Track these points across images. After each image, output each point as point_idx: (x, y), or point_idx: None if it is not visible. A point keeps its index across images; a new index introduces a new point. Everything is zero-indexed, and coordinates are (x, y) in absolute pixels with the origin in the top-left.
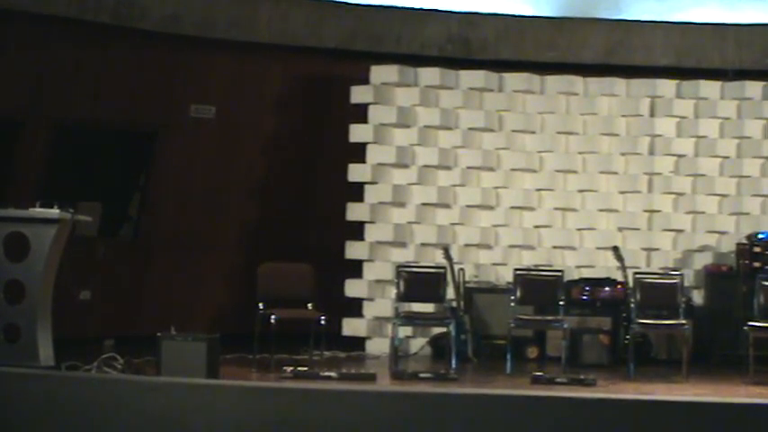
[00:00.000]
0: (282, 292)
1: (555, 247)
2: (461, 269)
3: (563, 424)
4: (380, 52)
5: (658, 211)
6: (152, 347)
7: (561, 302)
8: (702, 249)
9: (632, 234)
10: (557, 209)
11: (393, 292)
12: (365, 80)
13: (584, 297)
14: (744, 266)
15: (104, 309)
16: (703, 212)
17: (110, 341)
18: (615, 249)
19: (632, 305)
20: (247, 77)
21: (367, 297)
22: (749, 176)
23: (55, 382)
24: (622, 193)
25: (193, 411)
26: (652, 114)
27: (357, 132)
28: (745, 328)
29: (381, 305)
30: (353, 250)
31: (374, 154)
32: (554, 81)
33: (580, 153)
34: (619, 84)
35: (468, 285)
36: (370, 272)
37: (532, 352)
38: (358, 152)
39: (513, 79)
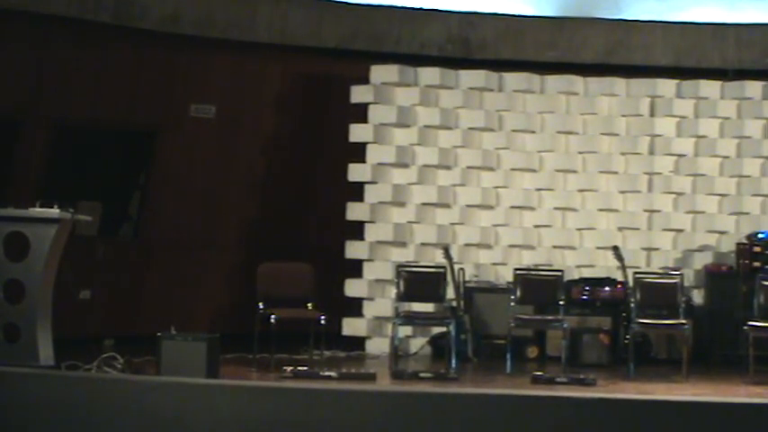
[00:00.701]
0: (282, 292)
1: (555, 247)
2: (461, 269)
3: (563, 424)
4: (380, 52)
5: (658, 211)
6: (152, 347)
7: (561, 302)
8: (702, 249)
9: (632, 234)
10: (557, 209)
11: (393, 291)
12: (365, 80)
13: (584, 297)
14: (744, 266)
15: (104, 309)
16: (703, 212)
17: (110, 341)
18: (615, 249)
19: (632, 305)
20: (247, 77)
21: (367, 297)
22: (749, 176)
23: (55, 382)
24: (622, 192)
25: (193, 411)
26: (652, 114)
27: (357, 132)
28: (745, 328)
29: (381, 305)
30: (353, 250)
31: (374, 154)
32: (554, 81)
33: (580, 153)
34: (619, 84)
35: (468, 285)
36: (370, 272)
37: (532, 352)
38: (358, 152)
39: (513, 79)
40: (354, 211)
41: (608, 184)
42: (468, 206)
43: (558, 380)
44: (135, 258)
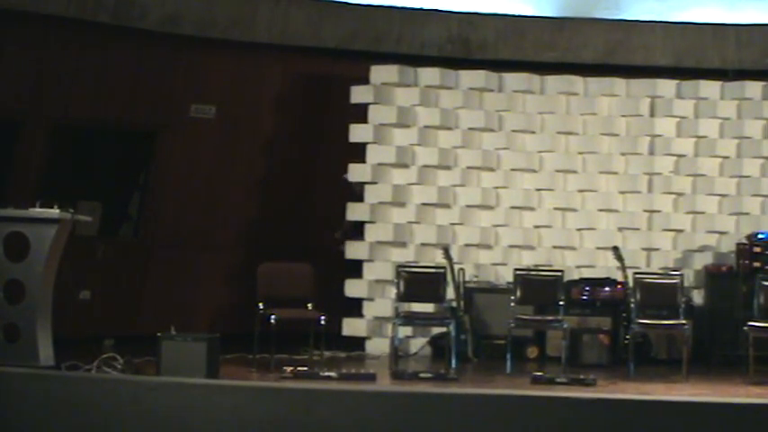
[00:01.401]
0: (282, 292)
1: (555, 247)
2: (461, 269)
3: (563, 424)
4: (380, 52)
5: (658, 211)
6: (152, 347)
7: (561, 302)
8: (702, 249)
9: (632, 234)
10: (557, 209)
11: (393, 292)
12: (365, 80)
13: (584, 297)
14: (744, 266)
15: (104, 309)
16: (703, 212)
17: (110, 341)
18: (615, 249)
19: (632, 305)
20: (247, 77)
21: (367, 297)
22: (749, 176)
23: (55, 382)
24: (622, 193)
25: (193, 411)
26: (652, 114)
27: (357, 132)
28: (745, 328)
29: (381, 305)
30: (353, 250)
31: (374, 154)
32: (554, 81)
33: (580, 153)
34: (619, 84)
35: (467, 285)
36: (370, 272)
37: (532, 352)
38: (358, 152)
39: (513, 79)
40: (354, 212)
41: (608, 184)
42: (468, 206)
43: (558, 380)
44: (135, 258)
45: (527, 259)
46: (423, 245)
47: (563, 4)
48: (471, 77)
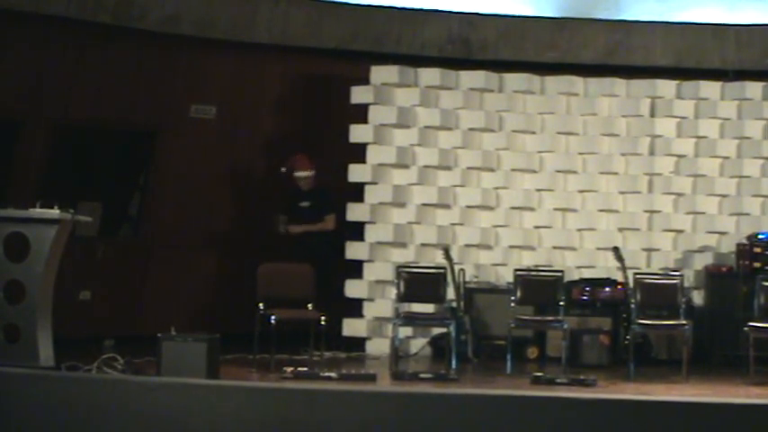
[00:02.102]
0: (282, 293)
1: (555, 248)
2: (461, 269)
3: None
4: (380, 52)
5: (658, 212)
6: (152, 347)
7: (561, 303)
8: (702, 250)
9: (632, 234)
10: (557, 209)
11: (393, 292)
12: (365, 80)
13: (585, 297)
14: (744, 267)
15: (104, 309)
16: (703, 213)
17: (110, 341)
18: (615, 250)
19: (632, 305)
20: (247, 77)
21: (367, 297)
22: (749, 177)
23: (55, 382)
24: (622, 193)
25: (193, 411)
26: (652, 115)
27: (357, 132)
28: (745, 328)
29: (381, 305)
30: (353, 250)
31: (374, 154)
32: (554, 81)
33: (580, 153)
34: (619, 84)
35: (468, 286)
36: (370, 272)
37: (532, 352)
38: (358, 152)
39: (514, 79)
40: (354, 212)
41: (608, 184)
42: (468, 207)
43: (558, 381)
44: (135, 258)
45: (527, 260)
46: (423, 245)
47: (563, 5)
48: (471, 78)
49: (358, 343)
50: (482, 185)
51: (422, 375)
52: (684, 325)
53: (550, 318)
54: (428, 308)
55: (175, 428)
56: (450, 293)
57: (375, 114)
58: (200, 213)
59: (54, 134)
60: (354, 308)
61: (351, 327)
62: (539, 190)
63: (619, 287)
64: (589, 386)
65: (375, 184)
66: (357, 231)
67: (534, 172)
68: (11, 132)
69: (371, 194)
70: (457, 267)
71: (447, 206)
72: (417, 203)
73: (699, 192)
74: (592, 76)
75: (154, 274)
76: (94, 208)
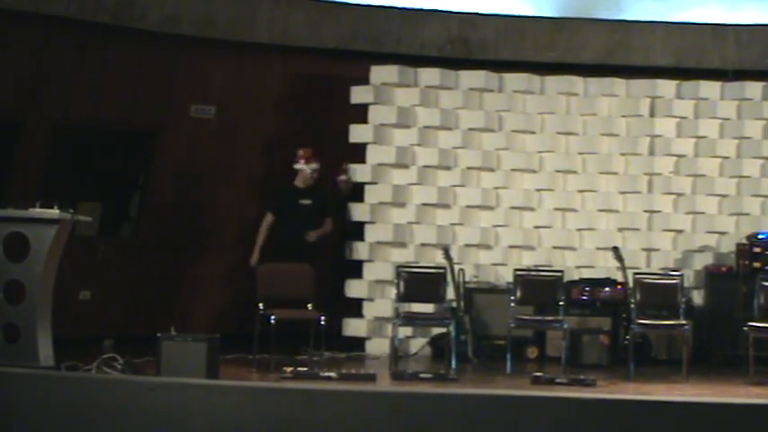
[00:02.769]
0: (282, 293)
1: (555, 248)
2: (461, 269)
3: (563, 424)
4: (380, 52)
5: (658, 212)
6: (152, 347)
7: (561, 303)
8: (702, 250)
9: (632, 234)
10: (557, 209)
11: (393, 292)
12: (365, 80)
13: (584, 297)
14: (744, 267)
15: (104, 309)
16: (703, 213)
17: (110, 341)
18: (615, 250)
19: (632, 305)
20: (247, 77)
21: (367, 297)
22: (749, 177)
23: (55, 382)
24: (622, 193)
25: (193, 411)
26: (652, 115)
27: (357, 132)
28: (745, 328)
29: (381, 305)
30: (353, 250)
31: (374, 154)
32: (554, 81)
33: (580, 153)
34: (619, 84)
35: (467, 286)
36: (370, 272)
37: (532, 352)
38: (358, 152)
39: (513, 79)
40: (354, 212)
41: (608, 184)
42: (468, 207)
43: (558, 380)
44: (135, 258)
45: (527, 259)
46: (423, 245)
47: (563, 5)
48: (471, 78)
49: (358, 343)
50: (482, 185)
51: (421, 375)
52: (684, 325)
53: (550, 318)
54: (428, 308)
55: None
56: (450, 293)
57: (375, 114)
58: (199, 213)
59: (54, 134)
60: (354, 308)
61: (351, 327)
62: (539, 190)
63: (619, 287)
64: (589, 386)
65: (375, 184)
66: (357, 231)
67: (534, 172)
68: (11, 132)
69: (371, 194)
70: (457, 267)
71: (447, 206)
72: (417, 203)
73: (699, 192)
74: (591, 76)
75: (154, 274)
76: (94, 208)
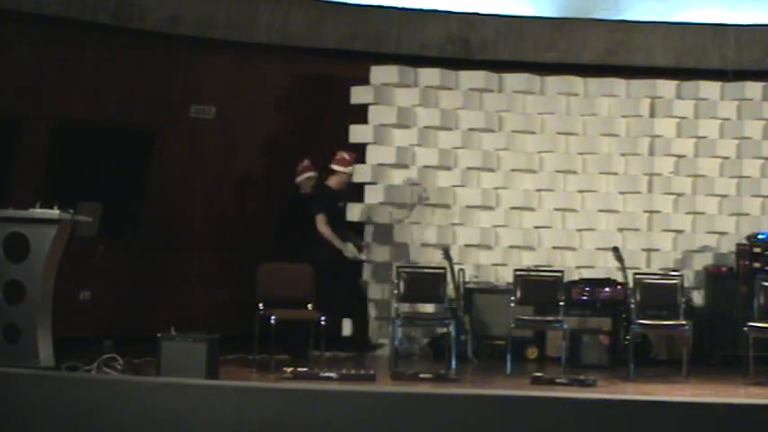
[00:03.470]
0: (282, 293)
1: (555, 248)
2: (461, 269)
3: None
4: (380, 52)
5: (658, 212)
6: (152, 347)
7: (561, 303)
8: (702, 250)
9: (632, 234)
10: (557, 209)
11: (393, 292)
12: (365, 81)
13: (584, 297)
14: (744, 267)
15: (104, 309)
16: (703, 213)
17: (110, 341)
18: (615, 250)
19: (632, 306)
20: (247, 78)
21: (367, 297)
22: (749, 177)
23: (55, 383)
24: (622, 193)
25: (193, 412)
26: (652, 115)
27: (357, 132)
28: (745, 328)
29: (381, 305)
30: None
31: (374, 154)
32: (554, 81)
33: (580, 153)
34: (619, 84)
35: (468, 286)
36: (370, 272)
37: (532, 352)
38: (358, 152)
39: (513, 80)
40: (355, 212)
41: (608, 184)
42: (468, 207)
43: (558, 381)
44: (135, 258)
45: (527, 260)
46: (423, 245)
47: (563, 5)
48: (471, 78)
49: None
50: (482, 185)
51: (422, 375)
52: (684, 325)
53: (550, 318)
54: (428, 308)
55: (175, 428)
56: (450, 293)
57: (375, 114)
58: (199, 214)
59: (54, 134)
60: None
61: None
62: (539, 190)
63: (618, 287)
64: (589, 386)
65: (375, 184)
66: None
67: (534, 172)
68: (11, 132)
69: (371, 194)
70: (457, 267)
71: (447, 206)
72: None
73: (699, 192)
74: (592, 76)
75: (154, 274)
76: (94, 208)
